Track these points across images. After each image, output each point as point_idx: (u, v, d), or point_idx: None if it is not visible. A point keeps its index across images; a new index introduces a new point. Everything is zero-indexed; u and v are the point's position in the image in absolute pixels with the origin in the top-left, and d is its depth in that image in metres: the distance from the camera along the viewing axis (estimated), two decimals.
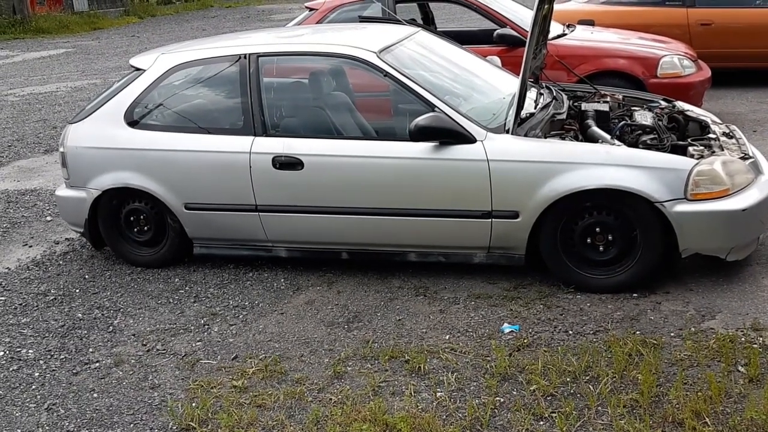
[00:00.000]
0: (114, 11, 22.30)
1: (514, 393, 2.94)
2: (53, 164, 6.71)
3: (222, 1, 25.95)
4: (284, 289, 4.02)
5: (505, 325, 3.45)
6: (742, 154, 3.81)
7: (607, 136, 3.87)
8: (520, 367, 3.09)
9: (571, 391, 2.91)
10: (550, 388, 2.92)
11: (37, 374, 3.38)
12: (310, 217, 3.99)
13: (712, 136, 4.06)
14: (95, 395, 3.18)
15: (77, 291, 4.19)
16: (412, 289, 3.89)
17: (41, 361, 3.48)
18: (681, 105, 4.61)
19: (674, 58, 6.16)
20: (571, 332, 3.36)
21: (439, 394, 2.97)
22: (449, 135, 3.68)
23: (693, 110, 4.53)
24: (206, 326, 3.68)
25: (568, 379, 2.98)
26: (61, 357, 3.50)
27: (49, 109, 9.29)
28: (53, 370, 3.40)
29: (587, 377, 2.99)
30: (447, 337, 3.40)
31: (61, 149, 4.43)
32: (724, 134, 4.15)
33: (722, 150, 3.83)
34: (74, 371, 3.38)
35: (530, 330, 3.40)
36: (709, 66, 6.59)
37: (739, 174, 3.61)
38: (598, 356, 3.11)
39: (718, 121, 4.47)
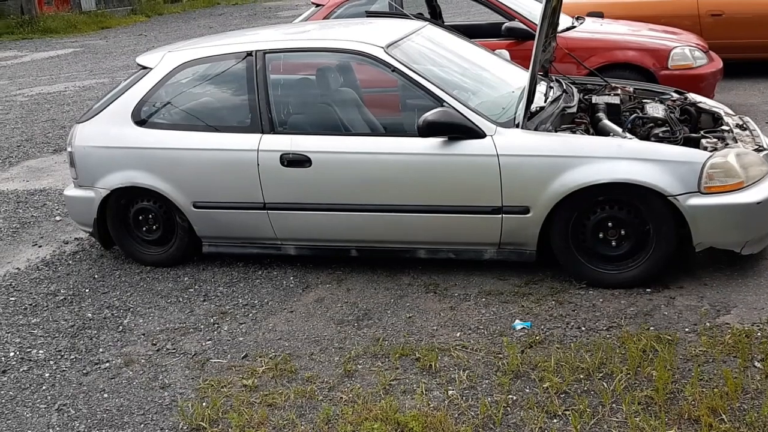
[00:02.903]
0: (121, 10, 22.33)
1: (527, 390, 2.91)
2: (62, 164, 6.71)
3: None
4: (293, 287, 4.00)
5: (517, 321, 3.42)
6: (756, 146, 3.76)
7: (619, 130, 3.82)
8: (532, 364, 3.06)
9: (585, 389, 2.88)
10: (564, 386, 2.89)
11: (47, 375, 3.38)
12: (319, 214, 3.96)
13: (725, 128, 4.00)
14: (105, 395, 3.17)
15: (87, 291, 4.19)
16: (422, 286, 3.86)
17: (51, 362, 3.48)
18: (693, 97, 4.55)
19: (685, 50, 6.08)
20: (583, 328, 3.32)
21: (450, 392, 2.94)
22: (458, 130, 3.64)
23: (705, 102, 4.47)
24: (216, 325, 3.66)
25: (581, 376, 2.94)
26: (72, 357, 3.50)
27: (57, 109, 9.31)
28: (63, 370, 3.40)
29: (601, 374, 2.95)
30: (458, 334, 3.37)
31: (69, 149, 4.42)
32: (738, 126, 4.09)
33: (736, 142, 3.78)
34: (84, 371, 3.37)
35: (542, 326, 3.36)
36: (720, 57, 6.51)
37: (753, 166, 3.55)
38: (612, 353, 3.07)
39: (731, 112, 4.41)
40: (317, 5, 7.05)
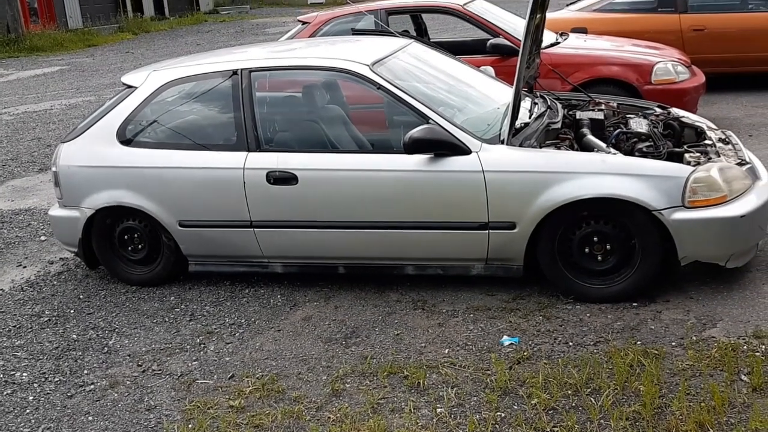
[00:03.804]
0: (108, 28, 22.32)
1: (515, 407, 2.90)
2: (47, 183, 6.67)
3: (216, 15, 26.02)
4: (281, 305, 3.98)
5: (505, 337, 3.42)
6: (739, 160, 3.79)
7: (603, 145, 3.85)
8: (520, 380, 3.05)
9: (573, 405, 2.87)
10: (552, 402, 2.88)
11: (31, 398, 3.33)
12: (306, 231, 3.96)
13: (708, 142, 4.05)
14: (90, 418, 3.13)
15: (72, 311, 4.15)
16: (410, 302, 3.86)
17: (35, 384, 3.43)
18: (676, 111, 4.59)
19: (668, 65, 6.16)
20: (571, 344, 3.32)
21: (439, 410, 2.93)
22: (444, 147, 3.65)
23: (688, 116, 4.51)
24: (202, 345, 3.64)
25: (569, 392, 2.94)
26: (56, 380, 3.46)
27: (43, 128, 9.26)
28: (47, 393, 3.36)
29: (589, 390, 2.95)
30: (446, 351, 3.36)
31: (54, 169, 4.40)
32: (720, 140, 4.13)
33: (719, 156, 3.81)
34: (69, 394, 3.33)
35: (530, 342, 3.36)
36: (702, 71, 6.59)
37: (736, 180, 3.58)
38: (600, 368, 3.07)
39: (714, 127, 4.45)
40: (303, 23, 7.09)
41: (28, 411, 3.23)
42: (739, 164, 3.73)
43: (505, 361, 3.21)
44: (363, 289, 4.03)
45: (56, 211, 4.46)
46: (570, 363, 3.14)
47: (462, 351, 3.35)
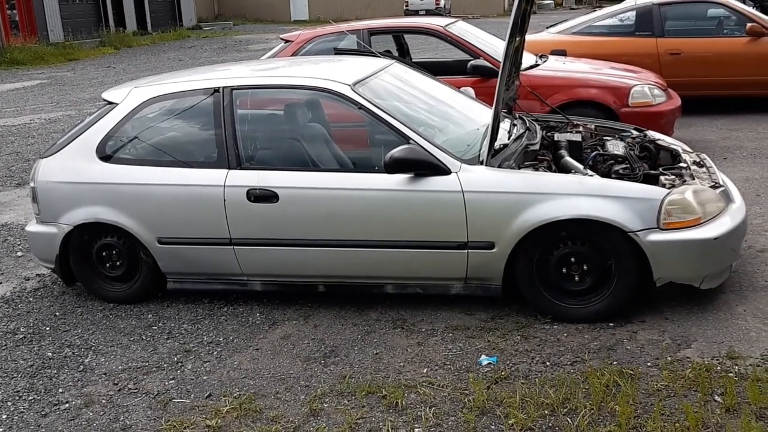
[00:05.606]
0: (90, 42, 22.24)
1: (493, 427, 2.91)
2: (25, 198, 6.61)
3: (199, 31, 26.03)
4: (260, 323, 3.97)
5: (483, 357, 3.43)
6: (713, 183, 3.87)
7: (580, 167, 3.90)
8: (498, 400, 3.07)
9: (549, 425, 2.89)
10: (528, 422, 2.90)
11: (4, 416, 3.28)
12: (286, 250, 3.95)
13: (683, 165, 4.12)
14: None
15: (47, 329, 4.10)
16: (389, 321, 3.86)
17: (9, 403, 3.38)
18: (652, 134, 4.68)
19: (645, 88, 6.27)
20: (548, 363, 3.34)
21: (417, 430, 2.93)
22: (424, 167, 3.69)
23: (664, 139, 4.60)
24: (179, 363, 3.61)
25: (546, 412, 2.96)
26: (30, 398, 3.41)
27: (22, 142, 9.18)
28: (21, 412, 3.31)
29: (565, 410, 2.97)
30: (425, 370, 3.37)
31: (32, 184, 4.36)
32: (695, 163, 4.21)
33: (693, 179, 3.88)
34: (43, 413, 3.28)
35: (508, 362, 3.38)
36: (678, 94, 6.72)
37: (710, 203, 3.65)
38: (576, 388, 3.10)
39: (689, 149, 4.54)
40: (286, 41, 7.12)
41: (1, 430, 3.18)
42: (713, 187, 3.81)
43: (483, 380, 3.22)
44: (342, 308, 4.03)
45: (33, 227, 4.42)
46: (547, 383, 3.16)
47: (440, 370, 3.36)
